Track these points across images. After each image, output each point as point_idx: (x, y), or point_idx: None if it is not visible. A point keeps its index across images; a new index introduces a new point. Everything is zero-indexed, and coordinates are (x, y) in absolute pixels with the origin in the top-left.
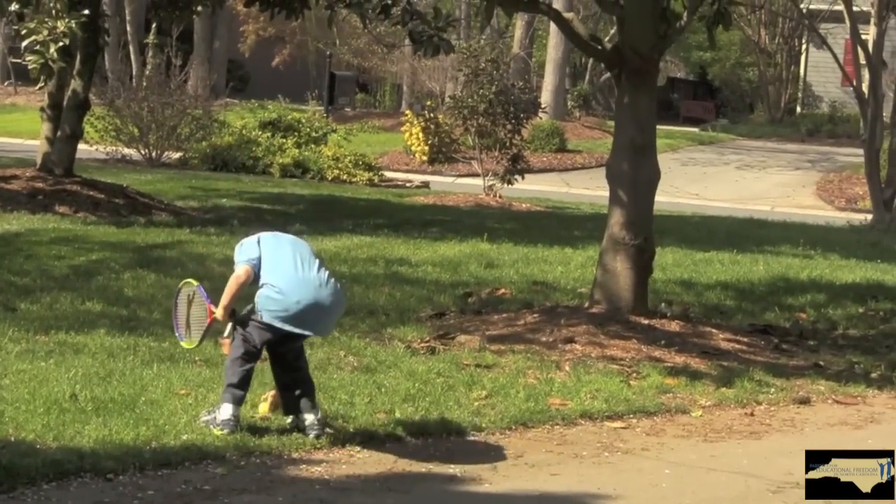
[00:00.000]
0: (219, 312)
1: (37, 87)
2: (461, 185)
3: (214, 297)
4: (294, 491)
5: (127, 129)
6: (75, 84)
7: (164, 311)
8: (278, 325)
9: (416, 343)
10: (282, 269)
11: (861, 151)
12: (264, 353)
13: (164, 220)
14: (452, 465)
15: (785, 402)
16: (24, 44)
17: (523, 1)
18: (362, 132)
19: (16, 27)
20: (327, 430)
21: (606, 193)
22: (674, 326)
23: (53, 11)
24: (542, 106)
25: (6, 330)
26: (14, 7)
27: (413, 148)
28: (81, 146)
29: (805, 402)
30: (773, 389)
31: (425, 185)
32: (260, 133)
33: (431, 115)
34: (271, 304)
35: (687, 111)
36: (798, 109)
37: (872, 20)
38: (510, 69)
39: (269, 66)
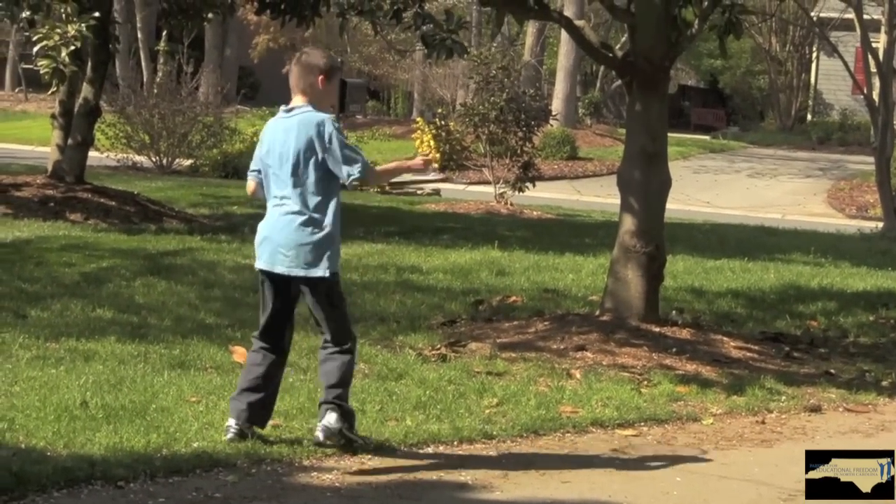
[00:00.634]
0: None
1: (48, 93)
2: (472, 193)
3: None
4: (305, 498)
5: (138, 136)
6: (86, 91)
7: (175, 318)
8: None
9: (427, 351)
10: None
11: (872, 159)
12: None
13: (174, 227)
14: (463, 473)
15: (796, 410)
16: (35, 49)
17: (534, 9)
18: (373, 139)
19: (27, 34)
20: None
21: (617, 201)
22: (685, 334)
23: (64, 16)
24: (553, 113)
25: (17, 337)
26: (25, 14)
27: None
28: (92, 153)
29: (816, 410)
30: (783, 397)
31: (436, 192)
32: None
33: (442, 122)
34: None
35: (698, 119)
36: (809, 117)
37: (883, 28)
38: (521, 77)
39: (279, 73)
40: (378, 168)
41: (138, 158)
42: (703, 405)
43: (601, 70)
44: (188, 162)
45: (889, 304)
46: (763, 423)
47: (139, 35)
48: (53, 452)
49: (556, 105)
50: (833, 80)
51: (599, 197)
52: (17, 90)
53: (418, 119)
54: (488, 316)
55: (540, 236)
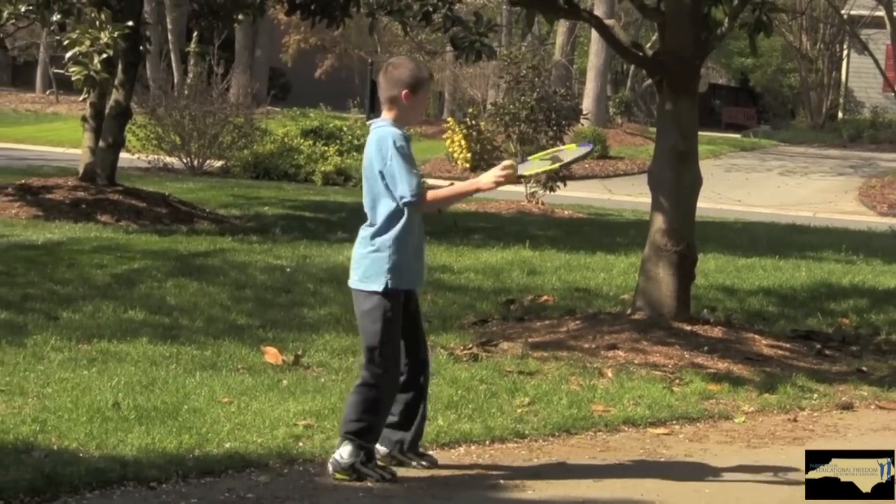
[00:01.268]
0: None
1: (80, 98)
2: (503, 192)
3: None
4: (337, 498)
5: (169, 137)
6: (117, 93)
7: (207, 319)
8: None
9: (458, 350)
10: None
11: None
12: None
13: (206, 228)
14: (495, 472)
15: (828, 407)
16: (67, 55)
17: (564, 8)
18: None
19: (58, 37)
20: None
21: (648, 200)
22: (716, 333)
23: (97, 22)
24: (584, 113)
25: (49, 339)
26: (56, 17)
27: (455, 155)
28: (123, 155)
29: (848, 407)
30: (815, 395)
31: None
32: (302, 141)
33: (473, 122)
34: None
35: (729, 117)
36: (840, 115)
37: None
38: (551, 76)
39: (310, 74)
40: (440, 192)
41: (169, 160)
42: (734, 403)
43: (632, 69)
44: (219, 163)
45: None
46: (795, 420)
47: (170, 37)
48: (86, 454)
49: (587, 104)
50: (864, 78)
51: (630, 196)
52: (48, 92)
53: (449, 119)
54: (520, 315)
55: (571, 235)
